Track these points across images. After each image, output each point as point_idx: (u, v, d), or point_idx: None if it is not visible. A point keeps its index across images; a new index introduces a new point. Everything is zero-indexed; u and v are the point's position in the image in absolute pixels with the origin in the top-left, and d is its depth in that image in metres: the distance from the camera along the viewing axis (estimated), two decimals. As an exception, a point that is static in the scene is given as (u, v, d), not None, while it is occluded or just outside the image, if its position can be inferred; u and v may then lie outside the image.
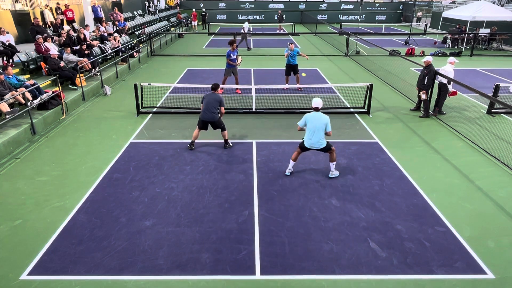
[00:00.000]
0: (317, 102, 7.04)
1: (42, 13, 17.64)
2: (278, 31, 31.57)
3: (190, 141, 8.69)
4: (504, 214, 6.24)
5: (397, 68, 17.05)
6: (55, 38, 14.93)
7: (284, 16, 34.45)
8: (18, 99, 9.43)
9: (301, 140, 7.27)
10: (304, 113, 10.96)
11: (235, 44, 12.41)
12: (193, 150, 8.54)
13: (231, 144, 8.76)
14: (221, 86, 12.42)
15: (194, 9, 34.27)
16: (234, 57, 12.39)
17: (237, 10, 38.72)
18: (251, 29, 22.33)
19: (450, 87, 10.68)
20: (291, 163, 7.45)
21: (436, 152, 8.58)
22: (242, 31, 22.43)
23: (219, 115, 8.46)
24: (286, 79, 13.20)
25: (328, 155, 7.43)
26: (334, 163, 7.27)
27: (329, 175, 7.36)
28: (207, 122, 8.41)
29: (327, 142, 7.07)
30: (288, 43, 12.96)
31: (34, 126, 9.35)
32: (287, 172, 7.47)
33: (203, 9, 35.40)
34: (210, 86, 11.60)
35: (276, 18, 32.57)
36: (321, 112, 7.09)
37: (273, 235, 5.66)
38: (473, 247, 5.41)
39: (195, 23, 32.84)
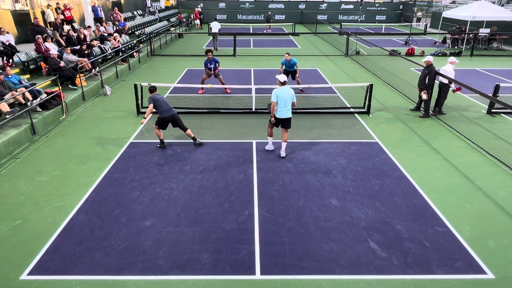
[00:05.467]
0: (283, 77, 7.99)
1: (43, 13, 17.65)
2: (265, 30, 31.99)
3: (159, 140, 8.72)
4: (504, 214, 6.24)
5: (397, 68, 17.05)
6: (55, 38, 14.93)
7: (273, 16, 34.53)
8: (18, 99, 9.44)
9: (273, 119, 7.98)
10: (306, 113, 11.07)
11: (210, 54, 12.29)
12: (165, 148, 8.66)
13: (201, 142, 8.85)
14: (201, 86, 12.23)
15: (195, 8, 34.36)
16: (212, 66, 12.32)
17: (237, 10, 38.70)
18: (220, 29, 22.49)
19: (453, 86, 10.64)
20: (270, 139, 8.41)
21: (436, 152, 8.58)
22: (213, 31, 22.40)
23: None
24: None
25: (284, 135, 8.15)
26: (286, 143, 8.24)
27: (282, 155, 8.19)
28: (171, 119, 8.49)
29: None
30: (285, 53, 12.62)
31: (34, 126, 9.35)
32: (270, 147, 8.45)
33: (195, 9, 35.31)
34: (209, 86, 11.65)
35: (268, 17, 32.71)
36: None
37: (273, 235, 5.66)
38: (473, 247, 5.42)
39: (197, 21, 32.91)
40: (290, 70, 12.71)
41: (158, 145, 8.74)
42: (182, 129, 8.69)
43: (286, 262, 5.10)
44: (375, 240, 5.55)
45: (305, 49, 22.93)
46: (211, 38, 22.64)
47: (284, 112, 7.87)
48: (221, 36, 24.56)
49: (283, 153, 8.19)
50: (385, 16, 39.09)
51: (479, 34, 22.32)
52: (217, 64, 12.41)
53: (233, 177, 7.35)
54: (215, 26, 22.31)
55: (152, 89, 8.59)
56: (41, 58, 12.71)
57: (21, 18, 16.43)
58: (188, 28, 33.01)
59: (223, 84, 12.53)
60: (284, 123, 8.02)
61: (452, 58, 10.74)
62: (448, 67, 10.57)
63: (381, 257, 5.20)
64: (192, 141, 8.82)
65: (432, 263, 5.09)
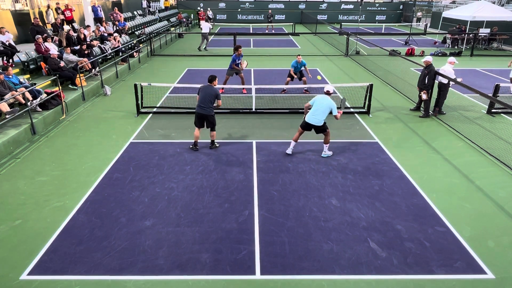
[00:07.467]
0: (328, 87, 8.13)
1: (44, 13, 17.63)
2: (266, 30, 32.12)
3: (193, 141, 8.65)
4: (504, 214, 6.24)
5: (397, 68, 17.05)
6: (55, 38, 14.93)
7: (273, 16, 34.57)
8: (18, 99, 9.44)
9: (303, 121, 8.11)
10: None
11: (240, 50, 12.40)
12: (197, 150, 8.52)
13: (217, 145, 8.73)
14: (222, 86, 12.42)
15: (202, 9, 34.43)
16: (239, 62, 12.45)
17: (237, 10, 38.71)
18: (207, 32, 22.73)
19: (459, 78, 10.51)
20: (292, 143, 8.30)
21: (436, 152, 8.58)
22: (203, 31, 22.57)
23: (214, 109, 8.33)
24: (287, 82, 12.81)
25: (323, 138, 8.22)
26: (328, 145, 8.20)
27: (322, 155, 8.24)
28: (202, 117, 8.27)
29: (325, 122, 7.95)
30: (297, 55, 12.74)
31: (34, 126, 9.35)
32: (289, 151, 8.29)
33: (202, 10, 35.44)
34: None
35: (268, 17, 32.75)
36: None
37: (273, 235, 5.66)
38: (473, 247, 5.42)
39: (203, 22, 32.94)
40: (298, 71, 12.73)
41: (190, 146, 8.64)
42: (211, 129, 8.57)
43: (286, 262, 5.10)
44: (375, 240, 5.55)
45: (305, 49, 22.93)
46: (210, 39, 22.69)
47: (313, 118, 7.85)
48: (221, 36, 24.58)
49: (324, 154, 8.24)
50: (385, 16, 39.10)
51: (479, 34, 22.32)
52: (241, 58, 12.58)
53: (233, 177, 7.35)
54: (205, 27, 22.46)
55: (209, 79, 8.29)
56: (41, 58, 12.71)
57: (21, 18, 16.42)
58: (188, 28, 33.01)
59: (243, 83, 12.68)
60: (315, 129, 8.02)
61: (451, 58, 10.74)
62: (447, 67, 10.57)
63: (381, 257, 5.20)
64: (210, 143, 8.70)
65: (432, 263, 5.09)
